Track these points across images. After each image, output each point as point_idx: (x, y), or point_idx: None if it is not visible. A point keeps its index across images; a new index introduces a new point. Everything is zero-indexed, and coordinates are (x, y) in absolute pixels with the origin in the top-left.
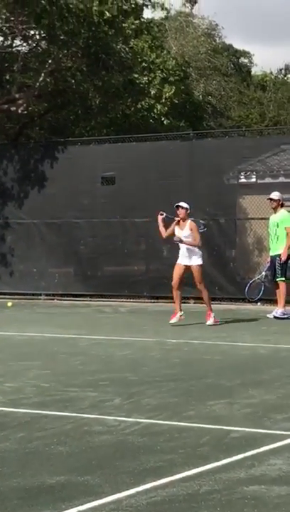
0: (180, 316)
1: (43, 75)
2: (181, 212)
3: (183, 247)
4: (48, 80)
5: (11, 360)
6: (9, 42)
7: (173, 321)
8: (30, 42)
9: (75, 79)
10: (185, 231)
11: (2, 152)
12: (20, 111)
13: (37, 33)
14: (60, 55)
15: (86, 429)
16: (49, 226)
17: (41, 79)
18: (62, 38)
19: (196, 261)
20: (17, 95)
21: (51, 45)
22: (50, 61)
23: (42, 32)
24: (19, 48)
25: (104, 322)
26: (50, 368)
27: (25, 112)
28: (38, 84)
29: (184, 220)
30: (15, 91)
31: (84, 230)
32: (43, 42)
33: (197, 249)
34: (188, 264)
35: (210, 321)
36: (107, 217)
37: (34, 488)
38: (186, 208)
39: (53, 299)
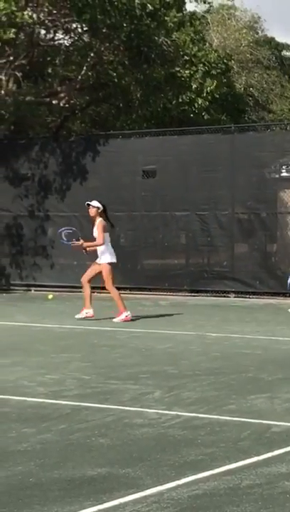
0: (87, 313)
1: (84, 68)
2: (91, 211)
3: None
4: (90, 73)
5: (52, 352)
6: (51, 35)
7: (80, 316)
8: (72, 35)
9: (117, 72)
10: (94, 230)
11: (44, 145)
12: (62, 104)
13: (79, 26)
14: (102, 49)
15: (127, 422)
16: (89, 219)
17: (83, 72)
18: (104, 31)
19: (103, 259)
20: (59, 88)
21: (93, 39)
22: (92, 54)
23: (84, 25)
24: (61, 41)
25: (144, 315)
26: (90, 361)
27: (67, 105)
28: (79, 77)
29: (94, 219)
30: (57, 84)
31: (124, 223)
32: (85, 35)
33: (103, 248)
34: (98, 262)
35: (119, 318)
36: (148, 211)
37: (75, 479)
38: (97, 207)
39: (93, 292)
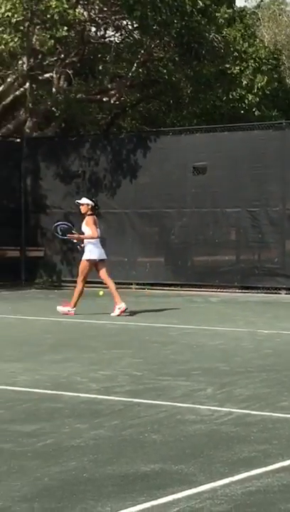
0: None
1: (135, 65)
2: (82, 209)
3: None
4: (140, 70)
5: (104, 348)
6: (102, 32)
7: (114, 314)
8: (122, 32)
9: (167, 69)
10: (82, 226)
11: (94, 143)
12: (112, 101)
13: (129, 23)
14: (153, 45)
15: (179, 418)
16: (140, 216)
17: (133, 69)
18: (154, 28)
19: (85, 255)
20: (109, 86)
21: (143, 35)
22: (142, 51)
23: (134, 22)
24: (112, 39)
25: (195, 312)
26: (142, 357)
27: (117, 103)
28: (130, 74)
29: (84, 215)
30: (107, 81)
31: (175, 220)
32: (136, 32)
33: (88, 243)
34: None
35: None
36: (198, 207)
37: (129, 475)
38: (86, 204)
39: (144, 289)
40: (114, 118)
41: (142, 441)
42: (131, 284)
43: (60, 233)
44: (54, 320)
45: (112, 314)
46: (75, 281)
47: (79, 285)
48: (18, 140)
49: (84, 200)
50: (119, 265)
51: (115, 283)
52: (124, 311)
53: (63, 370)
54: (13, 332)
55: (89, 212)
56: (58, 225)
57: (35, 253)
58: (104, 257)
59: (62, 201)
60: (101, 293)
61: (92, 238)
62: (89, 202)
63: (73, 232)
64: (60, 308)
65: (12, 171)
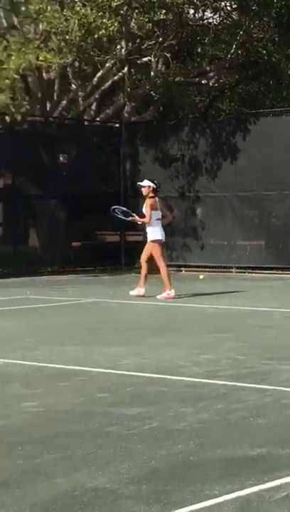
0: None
1: (234, 46)
2: (143, 190)
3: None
4: (239, 51)
5: (206, 332)
6: (200, 14)
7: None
8: (221, 13)
9: (267, 50)
10: (143, 208)
11: (193, 126)
12: (211, 84)
13: (228, 4)
14: (252, 26)
15: (285, 403)
16: (240, 199)
17: (232, 51)
18: (253, 8)
19: (150, 237)
20: (208, 68)
21: (242, 16)
22: (241, 32)
23: (233, 3)
24: (210, 20)
25: None
26: (244, 341)
27: (216, 85)
28: (229, 56)
29: (145, 197)
30: (206, 64)
31: (275, 203)
32: (234, 13)
33: (148, 226)
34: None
35: (162, 295)
36: None
37: (236, 459)
38: (147, 186)
39: (245, 272)
40: (212, 100)
41: (248, 425)
42: (231, 267)
43: (122, 215)
44: (155, 304)
45: (158, 297)
46: (174, 266)
47: (161, 267)
48: (117, 125)
49: (146, 183)
50: (219, 248)
51: (215, 267)
52: (170, 298)
53: (166, 353)
54: (115, 316)
55: (150, 195)
56: (116, 207)
57: (134, 237)
58: (164, 238)
59: (161, 185)
60: (201, 277)
61: (144, 223)
62: (151, 184)
63: (132, 214)
64: (160, 296)
65: (111, 156)
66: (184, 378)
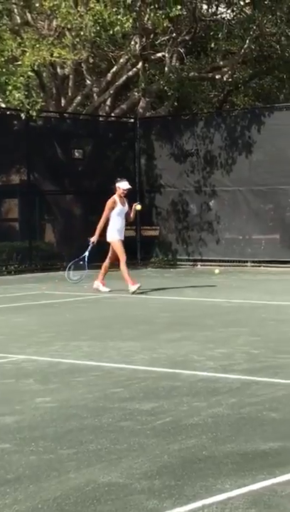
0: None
1: (247, 41)
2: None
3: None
4: (253, 46)
5: (220, 326)
6: (213, 9)
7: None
8: (234, 8)
9: (280, 44)
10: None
11: (208, 121)
12: (225, 78)
13: None
14: (265, 21)
15: None
16: (255, 193)
17: (246, 45)
18: (266, 3)
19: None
20: (221, 63)
21: (255, 11)
22: (254, 27)
23: None
24: (223, 15)
25: None
26: (259, 335)
27: (230, 80)
28: (242, 51)
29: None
30: (219, 59)
31: None
32: (247, 8)
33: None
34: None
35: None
36: None
37: (248, 453)
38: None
39: (260, 266)
40: (226, 95)
41: (261, 419)
42: (247, 261)
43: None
44: (170, 299)
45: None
46: (191, 260)
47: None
48: (132, 120)
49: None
50: (234, 243)
51: (230, 261)
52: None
53: (180, 348)
54: (131, 311)
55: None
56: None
57: (150, 232)
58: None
59: (176, 180)
60: (217, 271)
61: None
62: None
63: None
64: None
65: (126, 151)
66: (198, 373)
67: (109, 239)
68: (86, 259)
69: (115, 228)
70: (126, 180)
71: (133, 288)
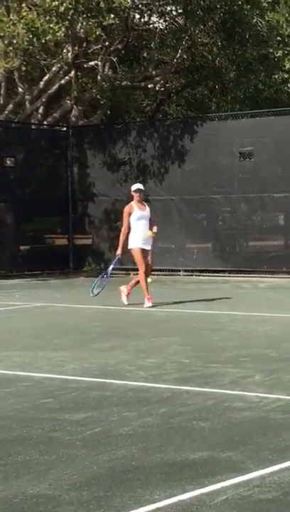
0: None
1: (179, 51)
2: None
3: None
4: (185, 56)
5: (152, 335)
6: (146, 19)
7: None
8: (166, 18)
9: (211, 54)
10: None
11: (140, 130)
12: (157, 88)
13: (173, 9)
14: (197, 31)
15: (227, 405)
16: (187, 202)
17: (178, 55)
18: (198, 13)
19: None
20: (154, 72)
21: (188, 21)
22: (186, 37)
23: (178, 8)
24: (156, 25)
25: (244, 298)
26: (190, 344)
27: (163, 89)
28: (174, 60)
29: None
30: (152, 68)
31: (222, 206)
32: (180, 18)
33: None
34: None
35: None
36: (245, 193)
37: (177, 463)
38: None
39: (192, 275)
40: (159, 104)
41: (190, 428)
42: (179, 270)
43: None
44: (102, 308)
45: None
46: (124, 269)
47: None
48: (64, 128)
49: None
50: (167, 252)
51: (162, 270)
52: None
53: (111, 358)
54: (62, 320)
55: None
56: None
57: (83, 241)
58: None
59: (109, 189)
60: (149, 280)
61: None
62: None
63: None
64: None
65: (59, 159)
66: (128, 382)
67: (129, 246)
68: (108, 273)
69: (136, 235)
70: (139, 183)
71: (147, 304)
